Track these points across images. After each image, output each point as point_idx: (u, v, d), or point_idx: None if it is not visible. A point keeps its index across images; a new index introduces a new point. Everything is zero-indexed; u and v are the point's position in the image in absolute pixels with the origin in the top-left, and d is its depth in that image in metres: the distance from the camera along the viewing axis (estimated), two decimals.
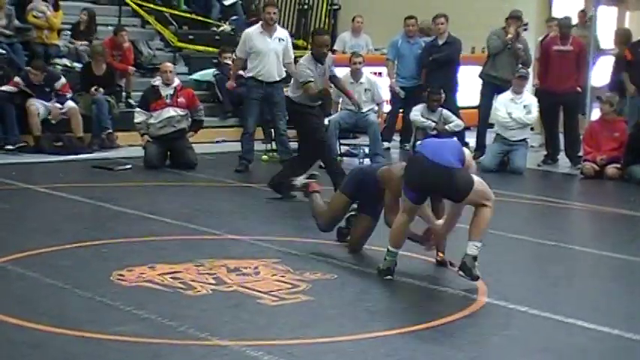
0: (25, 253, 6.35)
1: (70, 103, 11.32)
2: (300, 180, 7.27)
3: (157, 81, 10.75)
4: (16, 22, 12.42)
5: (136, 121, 10.60)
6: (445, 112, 11.58)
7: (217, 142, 12.46)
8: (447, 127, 11.36)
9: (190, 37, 14.37)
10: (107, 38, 12.82)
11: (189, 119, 10.67)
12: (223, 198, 9.03)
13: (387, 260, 6.05)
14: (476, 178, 5.93)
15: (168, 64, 11.01)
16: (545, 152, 11.83)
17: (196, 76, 13.63)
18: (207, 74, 13.52)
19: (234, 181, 9.87)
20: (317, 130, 8.79)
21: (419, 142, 6.44)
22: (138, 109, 10.68)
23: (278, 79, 10.30)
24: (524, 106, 11.11)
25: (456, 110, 11.97)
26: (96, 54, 11.90)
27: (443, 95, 11.40)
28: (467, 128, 12.02)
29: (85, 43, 12.73)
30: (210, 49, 14.10)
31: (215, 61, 13.68)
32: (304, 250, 6.66)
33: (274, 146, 11.05)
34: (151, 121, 10.47)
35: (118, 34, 12.66)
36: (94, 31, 13.02)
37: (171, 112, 10.48)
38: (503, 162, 11.15)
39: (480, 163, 11.15)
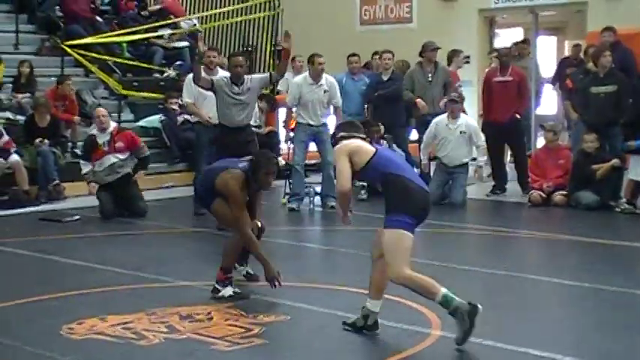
0: None
1: (14, 157, 11.15)
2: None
3: (94, 129, 10.67)
4: None
5: (83, 172, 10.52)
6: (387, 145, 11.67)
7: (167, 187, 12.41)
8: None
9: (135, 83, 14.34)
10: (50, 89, 12.71)
11: (134, 159, 10.54)
12: (173, 244, 8.95)
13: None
14: None
15: (101, 109, 10.85)
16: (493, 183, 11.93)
17: (143, 122, 13.59)
18: (154, 120, 13.49)
19: (183, 227, 9.80)
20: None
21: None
22: (82, 161, 10.58)
23: None
24: (461, 132, 11.15)
25: (406, 145, 12.08)
26: (39, 106, 11.77)
27: (382, 127, 11.47)
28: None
29: (27, 95, 12.61)
30: (156, 95, 14.08)
31: (161, 106, 13.66)
32: (257, 292, 6.62)
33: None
34: (96, 169, 10.38)
35: (63, 84, 12.56)
36: (35, 82, 12.91)
37: (111, 159, 10.36)
38: (444, 192, 11.21)
39: None
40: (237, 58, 9.10)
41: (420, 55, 11.94)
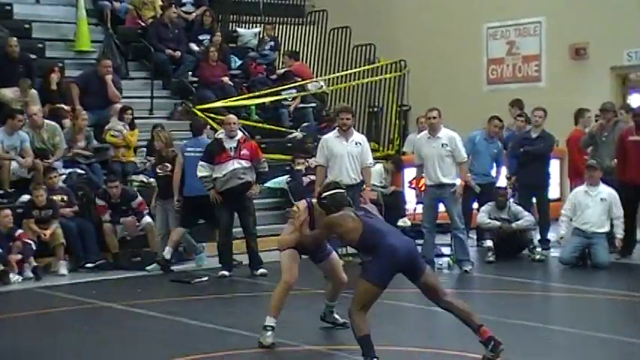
0: None
1: (147, 219, 11.46)
2: None
3: (220, 134, 10.85)
4: (95, 143, 12.79)
5: (199, 175, 10.61)
6: (515, 207, 11.46)
7: None
8: (513, 225, 11.24)
9: (263, 145, 14.49)
10: None
11: (254, 172, 10.69)
12: (298, 307, 8.87)
13: None
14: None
15: (232, 116, 11.07)
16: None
17: (270, 184, 13.68)
18: (281, 181, 13.62)
19: (308, 288, 9.77)
20: None
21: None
22: (202, 163, 10.64)
23: (356, 181, 10.34)
24: (601, 199, 10.87)
25: (547, 205, 11.84)
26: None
27: (509, 191, 11.23)
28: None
29: None
30: (283, 156, 14.22)
31: (288, 168, 13.79)
32: (385, 357, 6.49)
33: (348, 250, 11.01)
34: (216, 175, 10.50)
35: None
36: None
37: (235, 164, 10.51)
38: (583, 256, 10.88)
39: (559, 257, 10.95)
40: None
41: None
